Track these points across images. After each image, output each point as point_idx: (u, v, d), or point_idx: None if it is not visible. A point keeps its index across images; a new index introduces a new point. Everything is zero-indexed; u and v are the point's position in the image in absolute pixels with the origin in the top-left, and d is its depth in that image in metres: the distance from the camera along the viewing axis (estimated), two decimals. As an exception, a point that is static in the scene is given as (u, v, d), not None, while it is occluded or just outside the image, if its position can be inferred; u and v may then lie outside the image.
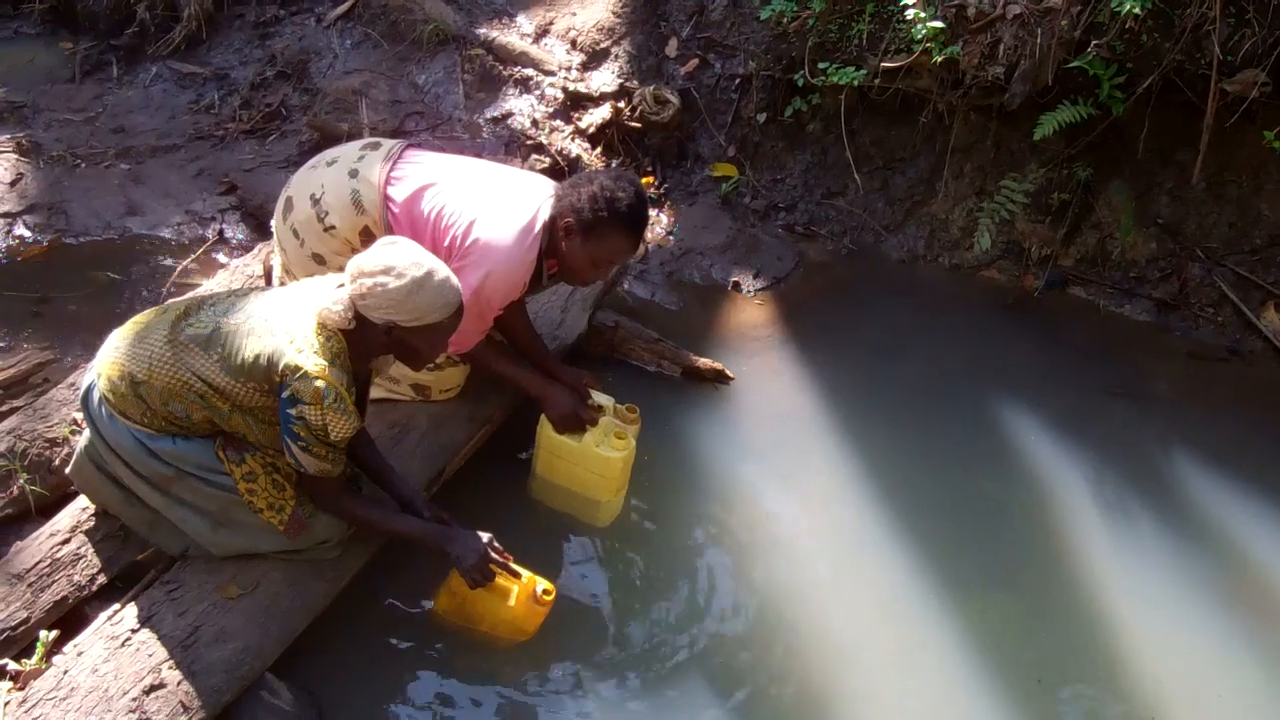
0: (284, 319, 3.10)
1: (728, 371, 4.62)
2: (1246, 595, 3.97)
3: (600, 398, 4.03)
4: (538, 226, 3.61)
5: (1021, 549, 4.08)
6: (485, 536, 3.38)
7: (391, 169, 3.71)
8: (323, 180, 3.79)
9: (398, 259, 3.03)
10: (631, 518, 4.02)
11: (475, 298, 3.56)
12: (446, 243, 3.61)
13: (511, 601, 3.45)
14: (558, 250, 3.65)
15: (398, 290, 3.00)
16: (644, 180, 5.67)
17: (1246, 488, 4.39)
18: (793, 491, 4.24)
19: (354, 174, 3.72)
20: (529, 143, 5.67)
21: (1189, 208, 5.34)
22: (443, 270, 3.08)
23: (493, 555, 3.36)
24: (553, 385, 3.93)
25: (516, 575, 3.44)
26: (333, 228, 3.73)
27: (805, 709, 3.53)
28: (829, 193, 5.74)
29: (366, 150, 3.81)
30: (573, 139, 5.68)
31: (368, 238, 3.69)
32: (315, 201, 3.75)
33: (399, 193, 3.66)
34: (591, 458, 3.86)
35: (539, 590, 3.45)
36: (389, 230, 3.66)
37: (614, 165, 5.59)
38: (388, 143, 3.83)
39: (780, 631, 3.73)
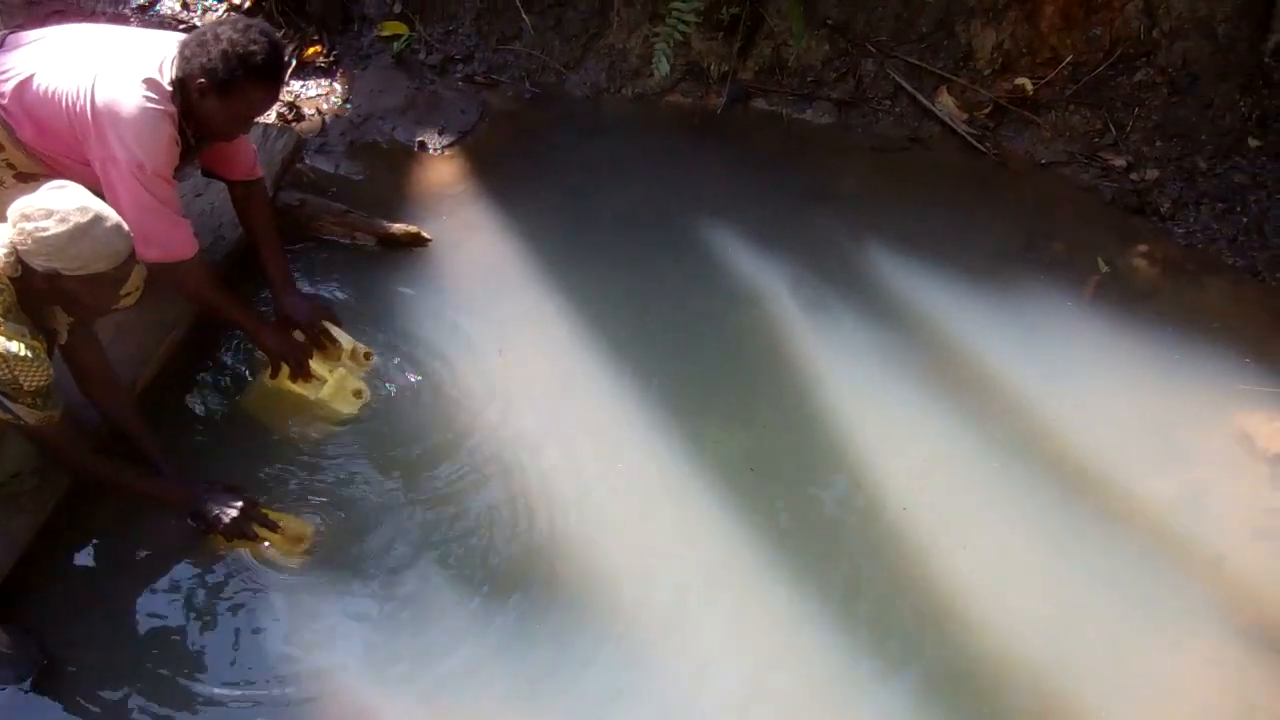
0: None
1: (424, 233, 4.52)
2: (945, 368, 4.21)
3: (339, 336, 3.92)
4: (165, 82, 3.35)
5: (731, 357, 4.22)
6: (239, 499, 3.36)
7: None
8: None
9: (61, 203, 2.84)
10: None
11: (138, 172, 3.33)
12: (74, 119, 3.34)
13: (267, 550, 3.47)
14: (196, 112, 3.42)
15: (58, 236, 2.83)
16: (311, 50, 5.44)
17: (937, 268, 4.59)
18: (514, 339, 4.22)
19: None
20: (181, 27, 5.35)
21: (856, 5, 5.41)
22: (112, 217, 2.91)
23: (249, 511, 3.35)
24: (269, 329, 3.79)
25: (275, 529, 3.42)
26: None
27: (546, 545, 3.63)
28: (504, 38, 5.60)
29: None
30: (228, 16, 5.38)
31: None
32: None
33: (5, 87, 3.36)
34: (321, 409, 3.83)
35: (291, 530, 3.48)
36: (9, 132, 3.39)
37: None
38: None
39: (517, 477, 3.80)
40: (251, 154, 3.91)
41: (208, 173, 3.91)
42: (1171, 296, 4.55)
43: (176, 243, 3.53)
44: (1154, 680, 3.42)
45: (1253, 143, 4.96)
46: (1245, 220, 4.78)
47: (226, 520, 3.32)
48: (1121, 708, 3.35)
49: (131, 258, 2.99)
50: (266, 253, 3.93)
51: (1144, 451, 3.97)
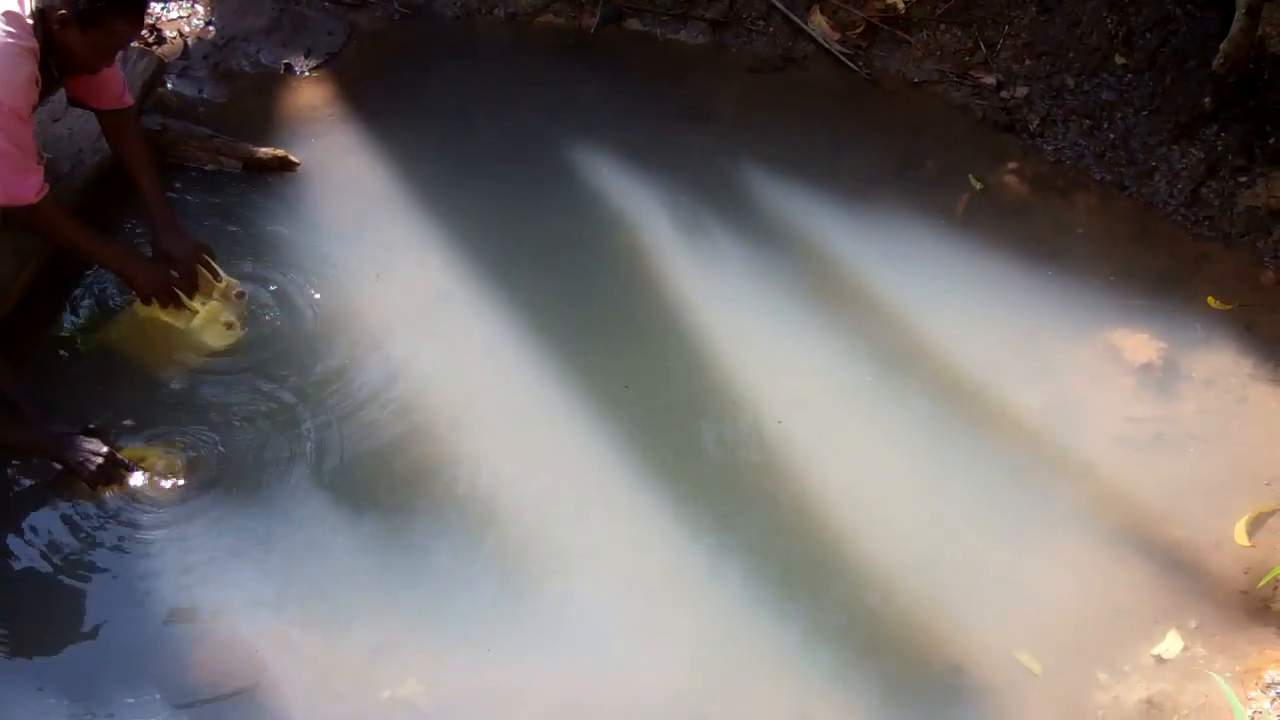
0: None
1: (292, 158, 4.41)
2: (822, 287, 4.25)
3: (217, 273, 3.83)
4: (26, 14, 3.21)
5: (609, 279, 4.22)
6: (103, 447, 3.30)
7: None
8: None
9: None
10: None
11: None
12: None
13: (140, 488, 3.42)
14: (57, 45, 3.28)
15: None
16: (171, -30, 5.25)
17: (813, 188, 4.61)
18: (389, 264, 4.17)
19: None
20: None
21: (726, -77, 5.39)
22: None
23: (113, 458, 3.31)
24: (138, 259, 3.69)
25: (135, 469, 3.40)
26: None
27: (425, 462, 3.66)
28: (370, -44, 5.46)
29: None
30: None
31: None
32: None
33: None
34: (192, 341, 3.75)
35: (159, 466, 3.45)
36: None
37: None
38: None
39: (396, 399, 3.80)
40: (120, 82, 3.77)
41: (76, 102, 3.78)
42: (1041, 213, 4.61)
43: (22, 187, 3.38)
44: (1021, 586, 3.52)
45: (1119, 60, 5.02)
46: (1112, 136, 4.86)
47: (91, 469, 3.27)
48: (989, 612, 3.44)
49: None
50: (143, 184, 3.81)
51: (1015, 365, 4.05)
